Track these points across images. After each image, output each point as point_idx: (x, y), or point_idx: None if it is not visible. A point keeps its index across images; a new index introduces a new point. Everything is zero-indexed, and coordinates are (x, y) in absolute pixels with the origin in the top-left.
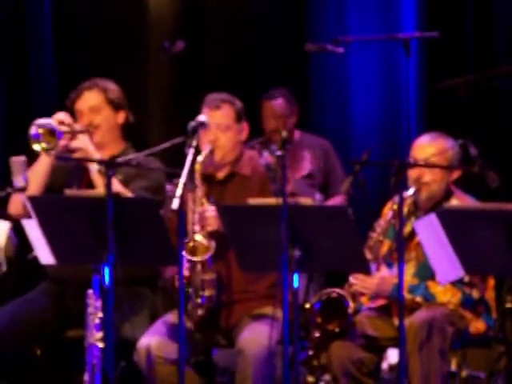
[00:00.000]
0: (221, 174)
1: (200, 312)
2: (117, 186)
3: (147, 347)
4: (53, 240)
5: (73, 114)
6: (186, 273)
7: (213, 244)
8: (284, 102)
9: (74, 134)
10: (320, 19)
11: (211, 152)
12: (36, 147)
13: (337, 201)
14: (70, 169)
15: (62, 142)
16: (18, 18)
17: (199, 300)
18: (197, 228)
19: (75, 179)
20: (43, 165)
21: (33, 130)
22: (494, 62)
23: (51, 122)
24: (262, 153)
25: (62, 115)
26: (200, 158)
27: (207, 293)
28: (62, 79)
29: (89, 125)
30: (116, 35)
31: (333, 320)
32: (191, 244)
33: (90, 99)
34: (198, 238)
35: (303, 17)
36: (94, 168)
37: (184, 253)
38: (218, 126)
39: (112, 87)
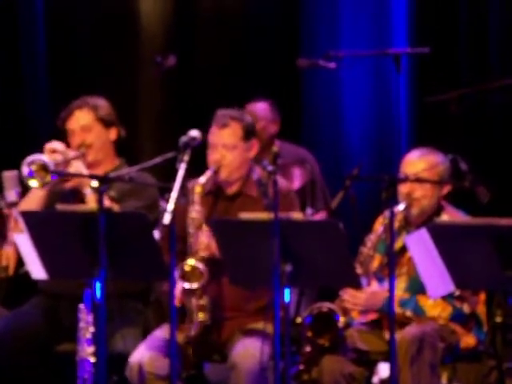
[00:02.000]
0: (229, 191)
1: (193, 332)
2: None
3: (139, 363)
4: (44, 255)
5: (64, 133)
6: (180, 296)
7: (206, 270)
8: (267, 107)
9: (68, 162)
10: (312, 35)
11: (215, 173)
12: (33, 184)
13: (320, 216)
14: (65, 194)
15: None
16: (10, 19)
17: (193, 324)
18: (192, 252)
19: (69, 200)
20: (36, 196)
21: (25, 169)
22: (486, 77)
23: (41, 156)
24: (252, 167)
25: (54, 144)
26: (202, 180)
27: (201, 317)
28: (54, 94)
29: (81, 144)
30: (107, 49)
31: (323, 334)
32: (186, 268)
33: (81, 118)
34: (191, 262)
35: (295, 32)
36: (88, 191)
37: (178, 277)
38: (224, 144)
39: (102, 104)
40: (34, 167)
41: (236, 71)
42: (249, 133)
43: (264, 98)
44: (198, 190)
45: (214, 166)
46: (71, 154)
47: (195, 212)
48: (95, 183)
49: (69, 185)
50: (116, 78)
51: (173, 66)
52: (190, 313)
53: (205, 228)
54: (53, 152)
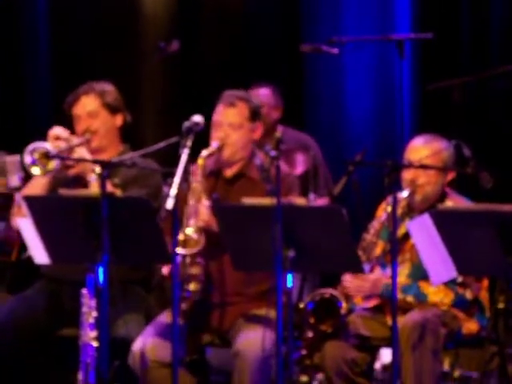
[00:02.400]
0: (229, 173)
1: (184, 306)
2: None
3: (141, 351)
4: (47, 239)
5: (70, 117)
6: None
7: (203, 239)
8: (270, 92)
9: (71, 149)
10: (315, 20)
11: (219, 149)
12: (35, 171)
13: (322, 202)
14: (68, 181)
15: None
16: (12, 17)
17: (183, 293)
18: (190, 222)
19: (71, 186)
20: (39, 183)
21: (27, 157)
22: (489, 64)
23: (43, 144)
24: (255, 152)
25: (57, 130)
26: (205, 153)
27: (192, 287)
28: (56, 79)
29: (87, 130)
30: (111, 35)
31: (326, 320)
32: (181, 237)
33: (88, 104)
34: (189, 231)
35: (298, 17)
36: (92, 178)
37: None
38: (230, 123)
39: (109, 90)
40: (36, 155)
41: (239, 57)
42: (255, 114)
43: (267, 84)
44: (200, 162)
45: (218, 142)
46: (75, 140)
47: (196, 183)
48: (99, 170)
49: (72, 171)
50: (119, 64)
51: (176, 52)
52: (181, 283)
53: (205, 202)
54: (56, 139)
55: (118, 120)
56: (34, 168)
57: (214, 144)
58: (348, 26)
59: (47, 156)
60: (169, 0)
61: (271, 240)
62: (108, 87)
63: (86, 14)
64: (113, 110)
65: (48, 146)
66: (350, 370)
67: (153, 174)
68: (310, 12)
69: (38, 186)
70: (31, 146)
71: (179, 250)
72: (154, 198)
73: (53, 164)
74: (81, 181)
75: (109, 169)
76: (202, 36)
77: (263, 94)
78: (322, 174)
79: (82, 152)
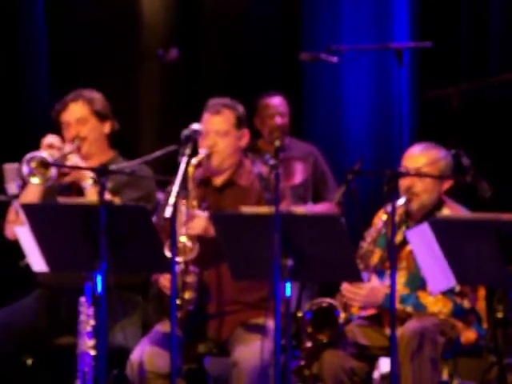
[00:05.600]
0: (218, 181)
1: (178, 314)
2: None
3: (139, 361)
4: (45, 247)
5: (58, 124)
6: (167, 273)
7: (197, 246)
8: (284, 100)
9: (65, 156)
10: (314, 28)
11: (208, 157)
12: (34, 181)
13: (325, 206)
14: (62, 188)
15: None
16: (11, 24)
17: (178, 301)
18: (183, 230)
19: (65, 193)
20: (33, 189)
21: (25, 167)
22: (488, 72)
23: (39, 153)
24: (254, 161)
25: (50, 138)
26: (194, 161)
27: (187, 295)
28: (54, 87)
29: (76, 136)
30: (109, 43)
31: (324, 330)
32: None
33: (76, 111)
34: (183, 239)
35: (298, 26)
36: (88, 185)
37: (167, 253)
38: (217, 131)
39: (97, 97)
40: (33, 164)
41: (238, 65)
42: (241, 121)
43: (275, 92)
44: (190, 170)
45: (205, 150)
46: (67, 148)
47: (189, 192)
48: (93, 176)
49: (68, 179)
50: (118, 71)
51: (175, 60)
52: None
53: (200, 212)
54: (50, 147)
55: (107, 127)
56: (33, 178)
57: (201, 152)
58: (347, 35)
59: (44, 165)
60: (168, 8)
61: (269, 249)
62: (96, 95)
63: (85, 22)
64: (101, 117)
65: (45, 154)
66: (348, 380)
67: (144, 178)
68: (309, 20)
69: (32, 192)
70: (28, 156)
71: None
72: (146, 201)
73: (50, 172)
74: (75, 187)
75: (106, 176)
76: (201, 44)
77: (280, 104)
78: (329, 180)
79: (75, 159)
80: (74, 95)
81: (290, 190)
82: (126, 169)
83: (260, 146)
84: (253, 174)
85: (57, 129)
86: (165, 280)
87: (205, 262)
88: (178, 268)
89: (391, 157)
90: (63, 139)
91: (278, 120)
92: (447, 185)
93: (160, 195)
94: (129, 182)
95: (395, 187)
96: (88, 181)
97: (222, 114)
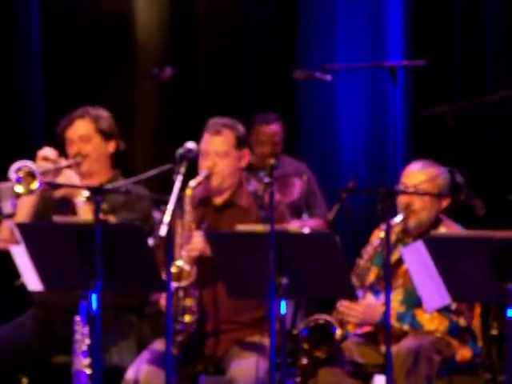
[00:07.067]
0: (218, 201)
1: (179, 338)
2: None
3: (135, 380)
4: (41, 266)
5: (63, 141)
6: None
7: (195, 270)
8: (279, 127)
9: (58, 170)
10: (308, 47)
11: (207, 178)
12: (18, 189)
13: (314, 222)
14: (59, 203)
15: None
16: (7, 43)
17: (178, 326)
18: (182, 253)
19: (62, 210)
20: (25, 204)
21: (13, 175)
22: (482, 90)
23: (28, 163)
24: (248, 179)
25: (46, 151)
26: (192, 183)
27: (187, 319)
28: (49, 106)
29: (78, 153)
30: (104, 61)
31: (320, 347)
32: (173, 270)
33: (81, 128)
34: (179, 263)
35: (292, 44)
36: (80, 201)
37: (164, 276)
38: (216, 151)
39: (104, 116)
40: (21, 173)
41: (232, 84)
42: (241, 142)
43: (272, 117)
44: (188, 192)
45: (205, 171)
46: (63, 162)
47: (185, 214)
48: (86, 193)
49: (58, 193)
50: (113, 89)
51: (170, 78)
52: (175, 315)
53: (195, 232)
54: (44, 159)
55: (111, 147)
56: (18, 186)
57: (201, 173)
58: (341, 53)
59: (32, 175)
60: (162, 26)
61: (265, 267)
62: (103, 113)
63: (80, 40)
64: (106, 136)
65: (32, 165)
66: None
67: (141, 199)
68: (303, 39)
69: (24, 206)
70: (16, 165)
71: (173, 283)
72: (143, 223)
73: (36, 184)
74: (68, 203)
75: (102, 195)
76: (195, 63)
77: (274, 133)
78: (318, 195)
79: (69, 174)
80: (81, 112)
81: (287, 207)
82: (121, 188)
83: (252, 162)
84: (250, 193)
85: (54, 140)
86: (165, 300)
87: (202, 282)
88: (177, 293)
89: (385, 175)
90: (66, 155)
91: (269, 149)
92: (445, 203)
93: (157, 214)
94: (125, 203)
95: (389, 206)
96: (80, 197)
97: (222, 135)
